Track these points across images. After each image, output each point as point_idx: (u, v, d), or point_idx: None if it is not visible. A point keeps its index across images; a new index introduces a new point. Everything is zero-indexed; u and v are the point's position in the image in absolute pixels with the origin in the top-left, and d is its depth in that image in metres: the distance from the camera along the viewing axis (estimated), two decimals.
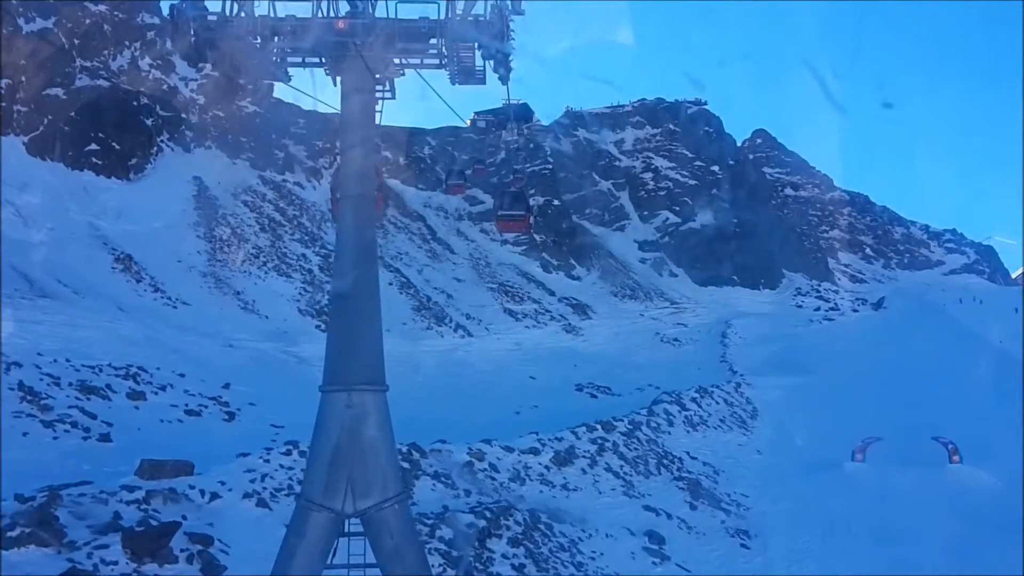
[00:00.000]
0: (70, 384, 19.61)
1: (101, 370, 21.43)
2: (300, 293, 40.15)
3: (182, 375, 23.70)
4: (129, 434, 17.83)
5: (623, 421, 20.34)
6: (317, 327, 38.15)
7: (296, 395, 26.77)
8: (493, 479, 15.26)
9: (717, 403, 27.73)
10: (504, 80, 5.95)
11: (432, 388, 32.62)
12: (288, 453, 13.69)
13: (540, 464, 16.46)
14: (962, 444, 22.90)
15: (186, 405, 20.76)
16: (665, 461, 19.38)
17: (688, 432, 23.44)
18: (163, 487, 12.19)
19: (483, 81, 6.01)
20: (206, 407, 21.13)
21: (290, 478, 13.22)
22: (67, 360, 21.08)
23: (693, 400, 26.43)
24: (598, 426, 19.28)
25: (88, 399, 19.12)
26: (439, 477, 14.61)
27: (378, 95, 6.12)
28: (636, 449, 19.12)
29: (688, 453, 21.11)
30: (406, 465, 14.42)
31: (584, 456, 17.51)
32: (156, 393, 21.01)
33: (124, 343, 25.51)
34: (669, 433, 22.23)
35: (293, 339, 34.92)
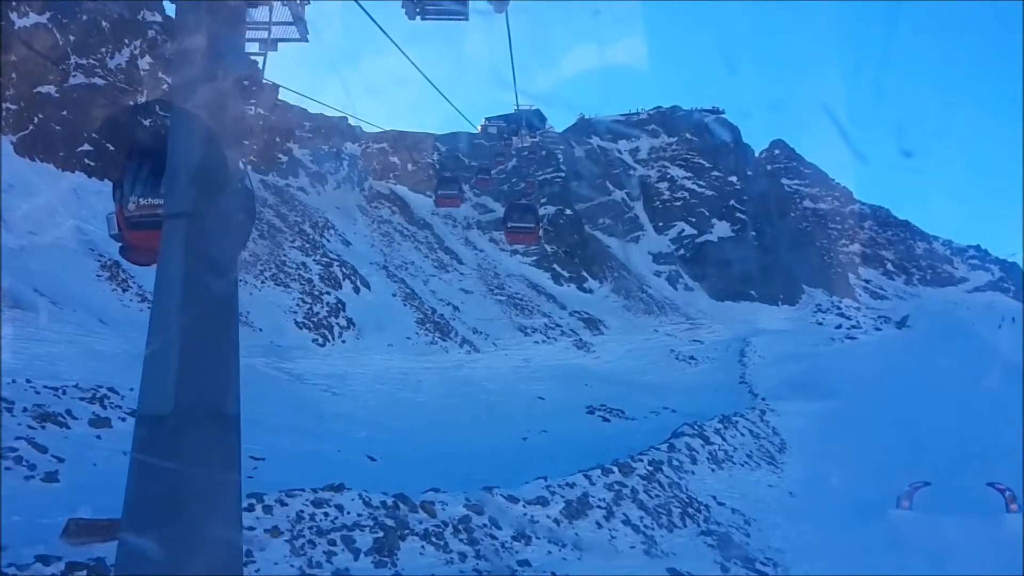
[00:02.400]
0: (24, 410, 17.48)
1: (64, 392, 19.31)
2: (298, 304, 38.02)
3: None
4: (82, 471, 15.61)
5: (643, 461, 18.10)
6: (314, 341, 36.13)
7: (284, 418, 24.79)
8: (494, 538, 13.06)
9: (742, 434, 25.47)
10: (499, 8, 3.81)
11: (434, 410, 30.60)
12: (250, 509, 11.52)
13: (549, 517, 14.24)
14: (1017, 488, 20.62)
15: None
16: (690, 510, 17.12)
17: (713, 471, 21.18)
18: (91, 556, 10.11)
19: (464, 15, 3.86)
20: None
21: (248, 546, 11.05)
22: (27, 380, 18.97)
23: (717, 432, 24.16)
24: (614, 468, 17.05)
25: (42, 427, 16.97)
26: (429, 537, 12.42)
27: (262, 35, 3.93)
28: (658, 495, 16.88)
29: (715, 498, 18.85)
30: (390, 523, 12.24)
31: (599, 506, 15.28)
32: (124, 419, 18.81)
33: (98, 359, 23.44)
34: (693, 472, 19.98)
35: (287, 354, 32.84)
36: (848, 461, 24.83)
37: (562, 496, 15.01)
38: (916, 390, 39.90)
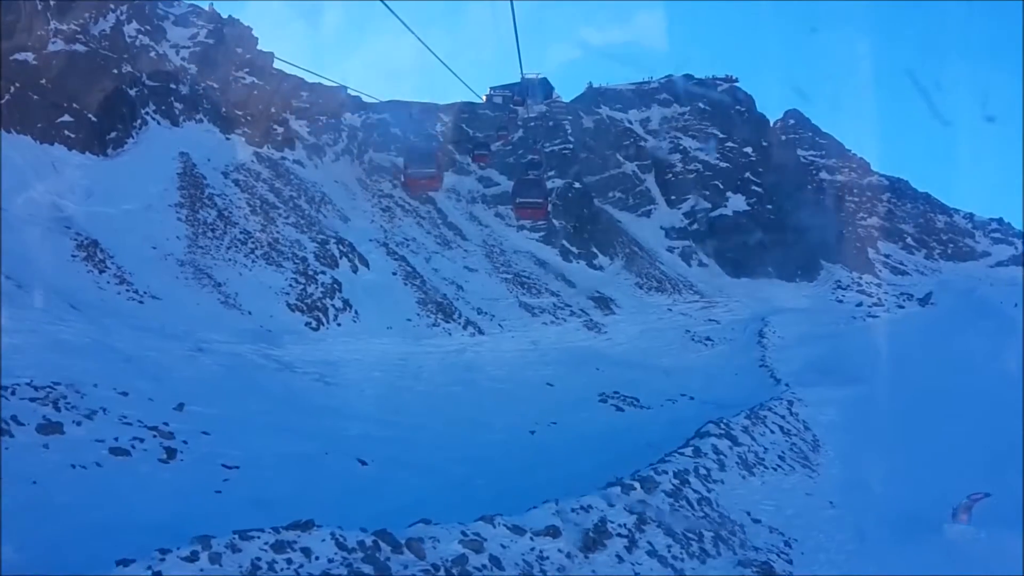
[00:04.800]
0: None
1: (15, 392, 16.96)
2: (291, 284, 35.73)
3: (125, 394, 19.32)
4: (19, 490, 13.40)
5: (667, 474, 15.78)
6: (307, 324, 33.88)
7: (268, 414, 22.44)
8: None
9: (772, 431, 23.15)
10: None
11: (434, 400, 28.43)
12: (192, 559, 9.22)
13: (561, 552, 11.98)
14: None
15: (115, 440, 16.24)
16: (724, 532, 14.84)
17: (744, 478, 18.89)
18: None
19: None
20: (141, 441, 16.63)
21: None
22: None
23: (745, 430, 21.83)
24: (636, 484, 14.74)
25: None
26: None
27: None
28: (686, 516, 14.60)
29: (749, 514, 16.56)
30: (368, 570, 9.98)
31: (620, 534, 13.01)
32: (79, 423, 16.54)
33: (62, 351, 21.17)
34: (722, 482, 17.70)
35: (276, 339, 30.64)
36: (888, 461, 22.51)
37: (576, 523, 12.73)
38: (948, 374, 37.44)
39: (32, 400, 16.78)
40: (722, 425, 21.37)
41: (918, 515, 18.69)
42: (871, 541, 16.53)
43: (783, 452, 21.89)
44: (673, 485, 15.52)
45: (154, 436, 17.15)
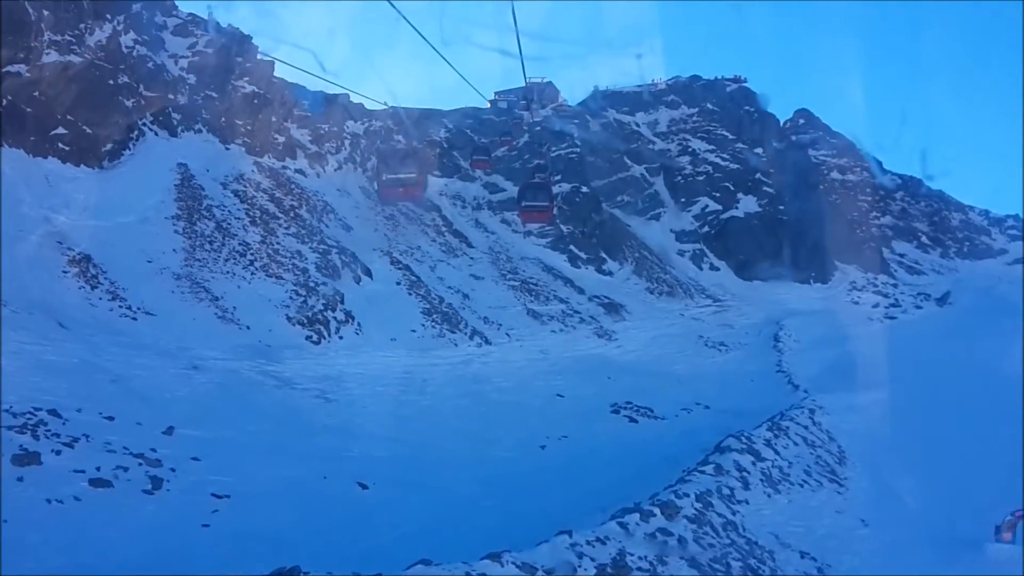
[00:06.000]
0: None
1: None
2: (291, 297, 34.68)
3: (110, 418, 18.28)
4: None
5: (689, 497, 14.60)
6: (308, 338, 32.79)
7: (263, 435, 21.30)
8: None
9: (796, 443, 21.93)
10: None
11: (440, 415, 27.30)
12: None
13: None
14: None
15: (97, 469, 15.18)
16: (752, 560, 13.66)
17: (769, 496, 17.69)
18: None
19: None
20: (125, 470, 15.54)
21: None
22: None
23: (768, 443, 20.63)
24: (655, 510, 13.56)
25: None
26: None
27: None
28: (712, 544, 13.41)
29: (777, 537, 15.37)
30: None
31: (640, 568, 11.84)
32: (58, 452, 15.48)
33: (46, 373, 20.13)
34: (747, 502, 16.50)
35: (276, 354, 29.55)
36: (919, 472, 21.33)
37: (592, 559, 11.56)
38: (972, 376, 36.23)
39: (9, 428, 15.73)
40: (743, 439, 20.19)
41: (957, 532, 17.49)
42: (910, 564, 15.31)
43: (808, 466, 20.68)
44: (696, 510, 14.33)
45: (139, 464, 16.06)
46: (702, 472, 17.15)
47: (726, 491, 16.32)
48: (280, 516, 15.23)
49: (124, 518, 13.80)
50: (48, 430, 16.44)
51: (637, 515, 13.25)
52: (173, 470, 16.23)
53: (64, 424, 16.98)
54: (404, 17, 14.09)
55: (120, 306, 28.48)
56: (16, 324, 23.16)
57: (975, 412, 29.02)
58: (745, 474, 17.89)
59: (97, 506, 14.02)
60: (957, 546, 16.52)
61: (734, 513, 15.46)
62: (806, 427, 24.08)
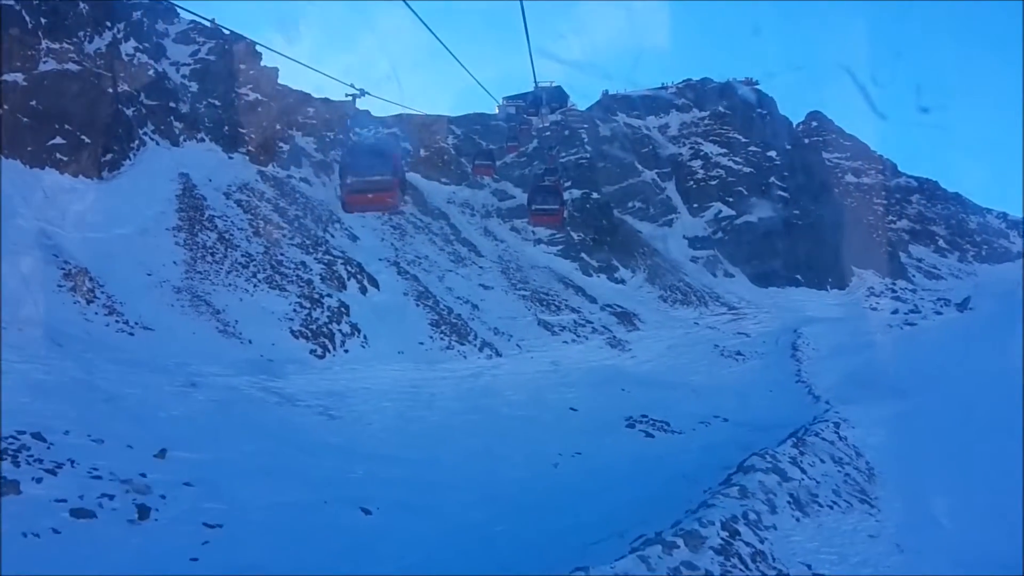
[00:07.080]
0: None
1: None
2: (295, 309, 33.72)
3: (99, 441, 17.28)
4: None
5: (714, 526, 13.48)
6: (312, 352, 31.82)
7: (262, 456, 20.20)
8: None
9: (823, 460, 20.71)
10: None
11: (449, 431, 26.18)
12: None
13: None
14: None
15: (80, 498, 14.14)
16: None
17: (798, 520, 16.51)
18: None
19: None
20: (111, 499, 14.50)
21: None
22: None
23: (793, 462, 19.44)
24: (678, 541, 12.45)
25: None
26: None
27: None
28: None
29: (810, 567, 14.20)
30: None
31: None
32: (39, 480, 14.47)
33: (34, 393, 19.17)
34: (775, 527, 15.34)
35: (278, 369, 28.55)
36: (953, 491, 20.04)
37: None
38: (999, 386, 34.76)
39: None
40: (768, 457, 19.01)
41: (999, 558, 16.29)
42: None
43: (837, 485, 19.47)
44: (722, 539, 13.20)
45: (127, 491, 15.01)
46: (726, 495, 15.99)
47: (753, 516, 15.16)
48: (275, 548, 14.20)
49: (106, 552, 12.77)
50: (31, 455, 15.46)
51: (659, 547, 12.13)
52: (163, 497, 15.20)
53: (48, 448, 16.00)
54: (420, 18, 13.21)
55: (117, 321, 27.57)
56: (6, 342, 22.23)
57: (1007, 424, 27.68)
58: (771, 496, 16.71)
59: (77, 539, 12.99)
60: (1001, 572, 15.32)
61: (762, 541, 14.31)
62: (832, 442, 22.86)
